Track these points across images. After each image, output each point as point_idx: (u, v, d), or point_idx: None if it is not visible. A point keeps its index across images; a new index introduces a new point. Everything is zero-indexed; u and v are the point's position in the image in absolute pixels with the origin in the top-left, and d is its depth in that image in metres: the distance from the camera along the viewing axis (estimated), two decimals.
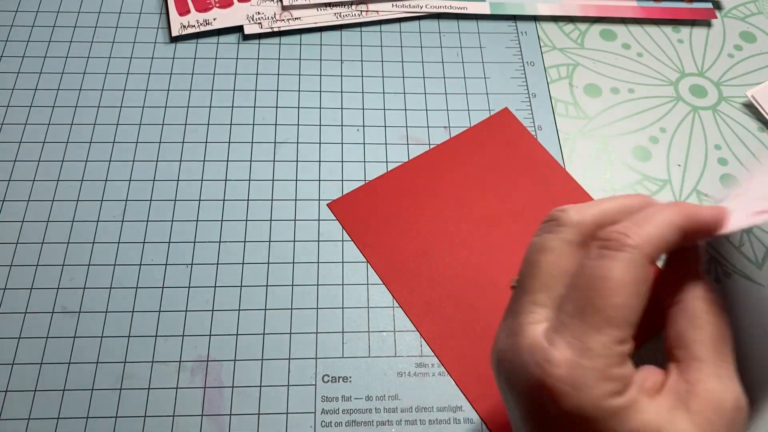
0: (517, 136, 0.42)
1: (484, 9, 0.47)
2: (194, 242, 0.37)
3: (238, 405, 0.33)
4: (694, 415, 0.19)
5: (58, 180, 0.39)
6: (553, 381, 0.20)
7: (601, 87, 0.45)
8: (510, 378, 0.21)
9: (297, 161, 0.41)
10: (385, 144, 0.42)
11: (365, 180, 0.40)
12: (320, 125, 0.42)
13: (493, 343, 0.23)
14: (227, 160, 0.40)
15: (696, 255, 0.23)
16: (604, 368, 0.19)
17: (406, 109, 0.43)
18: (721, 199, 0.24)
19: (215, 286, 0.36)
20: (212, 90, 0.43)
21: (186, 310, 0.35)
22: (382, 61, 0.45)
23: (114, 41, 0.45)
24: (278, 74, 0.44)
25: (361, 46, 0.46)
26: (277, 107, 0.43)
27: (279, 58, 0.45)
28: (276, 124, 0.42)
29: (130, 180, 0.39)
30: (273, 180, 0.40)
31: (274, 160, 0.41)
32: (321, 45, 0.46)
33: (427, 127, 0.42)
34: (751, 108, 0.44)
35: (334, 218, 0.39)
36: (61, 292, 0.36)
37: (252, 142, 0.41)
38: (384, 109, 0.43)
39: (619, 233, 0.21)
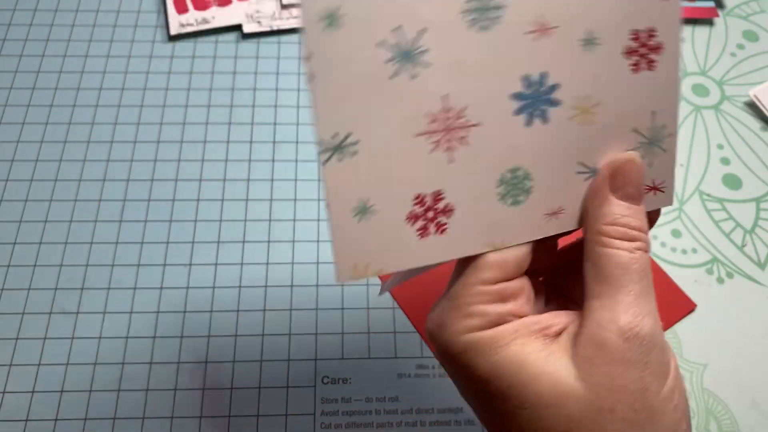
0: None
1: None
2: (192, 242, 0.37)
3: (237, 407, 0.33)
4: (576, 349, 0.19)
5: (55, 180, 0.39)
6: (428, 324, 0.21)
7: None
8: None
9: (296, 161, 0.40)
10: None
11: None
12: None
13: None
14: (226, 160, 0.40)
15: (602, 175, 0.21)
16: (464, 306, 0.20)
17: None
18: None
19: (214, 287, 0.36)
20: (211, 89, 0.43)
21: (184, 311, 0.35)
22: None
23: (112, 40, 0.45)
24: (277, 73, 0.44)
25: None
26: (276, 106, 0.43)
27: (278, 57, 0.45)
28: (275, 123, 0.42)
29: (128, 180, 0.39)
30: (272, 180, 0.40)
31: (273, 160, 0.40)
32: None
33: None
34: (753, 107, 0.44)
35: None
36: (59, 292, 0.35)
37: (251, 142, 0.41)
38: None
39: None
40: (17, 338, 0.34)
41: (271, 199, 0.39)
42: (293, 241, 0.38)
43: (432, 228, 0.21)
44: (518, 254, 0.20)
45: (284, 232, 0.38)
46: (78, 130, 0.41)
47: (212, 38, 0.45)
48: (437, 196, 0.20)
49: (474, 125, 0.20)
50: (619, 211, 0.20)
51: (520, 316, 0.20)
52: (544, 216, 0.21)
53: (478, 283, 0.20)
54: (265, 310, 0.35)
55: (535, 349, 0.19)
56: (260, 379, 0.34)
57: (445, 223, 0.21)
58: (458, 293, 0.20)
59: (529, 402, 0.19)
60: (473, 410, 0.22)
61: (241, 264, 0.37)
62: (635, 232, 0.20)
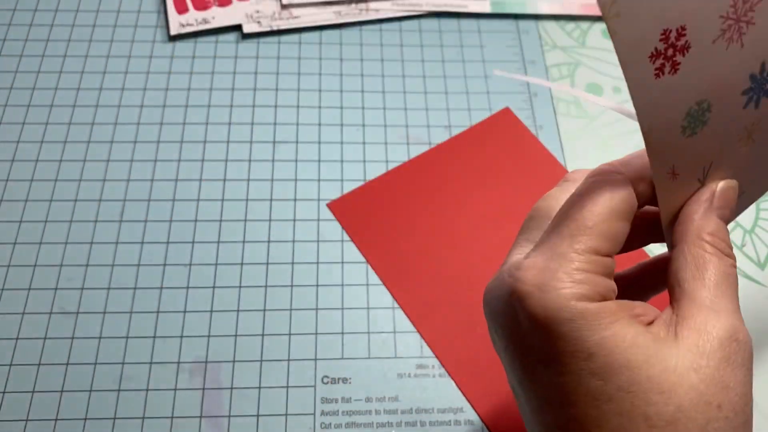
0: (518, 135, 0.42)
1: (484, 7, 0.47)
2: (193, 242, 0.37)
3: (237, 406, 0.33)
4: (680, 340, 0.18)
5: (56, 180, 0.39)
6: (520, 284, 0.19)
7: (603, 86, 0.45)
8: (489, 305, 0.21)
9: (296, 161, 0.40)
10: (385, 143, 0.41)
11: (365, 180, 0.40)
12: (320, 124, 0.42)
13: None
14: (226, 160, 0.40)
15: (702, 198, 0.22)
16: (574, 271, 0.19)
17: (406, 109, 0.43)
18: None
19: (214, 287, 0.36)
20: (211, 89, 0.43)
21: (185, 311, 0.35)
22: (382, 60, 0.45)
23: (112, 40, 0.45)
24: (277, 73, 0.44)
25: (361, 44, 0.46)
26: (276, 106, 0.43)
27: (278, 57, 0.45)
28: (275, 124, 0.42)
29: (128, 180, 0.39)
30: (272, 180, 0.40)
31: (273, 160, 0.40)
32: (320, 44, 0.46)
33: (428, 126, 0.42)
34: None
35: (334, 218, 0.39)
36: (59, 292, 0.35)
37: (251, 142, 0.41)
38: (384, 108, 0.43)
39: (605, 164, 0.21)
40: (17, 338, 0.34)
41: (271, 199, 0.39)
42: (293, 241, 0.38)
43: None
44: (625, 231, 0.20)
45: (284, 232, 0.38)
46: (78, 130, 0.41)
47: (212, 38, 0.45)
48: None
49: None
50: (721, 227, 0.21)
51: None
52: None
53: (590, 251, 0.19)
54: (265, 310, 0.35)
55: (639, 332, 0.19)
56: (260, 378, 0.34)
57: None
58: (569, 256, 0.19)
59: (639, 385, 0.18)
60: (533, 391, 0.20)
61: (241, 264, 0.37)
62: (731, 251, 0.21)
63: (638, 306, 0.20)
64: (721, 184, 0.21)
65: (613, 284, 0.20)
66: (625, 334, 0.18)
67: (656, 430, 0.18)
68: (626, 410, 0.18)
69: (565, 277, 0.19)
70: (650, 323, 0.20)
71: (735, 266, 0.21)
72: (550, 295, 0.19)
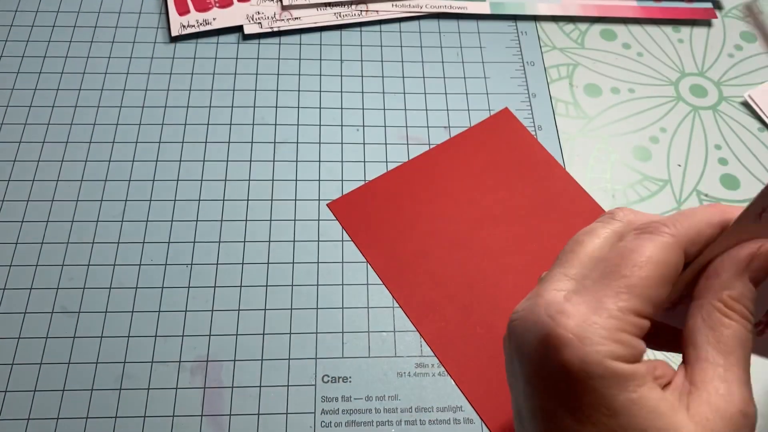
0: (517, 136, 0.42)
1: (484, 9, 0.47)
2: (194, 242, 0.37)
3: (238, 405, 0.33)
4: (692, 413, 0.19)
5: (57, 180, 0.39)
6: (561, 330, 0.20)
7: (602, 87, 0.45)
8: (520, 336, 0.21)
9: (297, 161, 0.41)
10: (385, 144, 0.42)
11: (365, 180, 0.40)
12: (320, 125, 0.42)
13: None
14: (227, 160, 0.40)
15: (740, 256, 0.21)
16: (615, 330, 0.19)
17: (406, 109, 0.43)
18: None
19: (215, 286, 0.36)
20: (212, 90, 0.43)
21: (186, 310, 0.35)
22: (382, 61, 0.45)
23: (114, 41, 0.45)
24: (278, 74, 0.44)
25: (361, 45, 0.46)
26: (276, 107, 0.43)
27: (279, 58, 0.45)
28: (276, 124, 0.42)
29: (129, 180, 0.39)
30: (273, 180, 0.40)
31: (273, 160, 0.41)
32: (321, 45, 0.46)
33: (427, 127, 0.42)
34: (751, 108, 0.44)
35: (334, 218, 0.39)
36: (61, 292, 0.36)
37: (252, 142, 0.41)
38: (384, 109, 0.43)
39: (657, 222, 0.21)
40: (19, 337, 0.34)
41: (271, 199, 0.39)
42: (294, 241, 0.38)
43: None
44: (667, 294, 0.20)
45: (285, 232, 0.38)
46: (79, 130, 0.41)
47: (213, 39, 0.45)
48: None
49: None
50: (747, 290, 0.20)
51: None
52: None
53: (633, 312, 0.20)
54: (265, 309, 0.36)
55: (660, 398, 0.19)
56: (261, 377, 0.34)
57: None
58: (613, 314, 0.19)
59: None
60: (540, 428, 0.21)
61: (242, 263, 0.37)
62: (751, 316, 0.20)
63: (660, 367, 0.20)
64: (757, 246, 0.21)
65: (644, 346, 0.20)
66: (648, 400, 0.19)
67: None
68: None
69: (606, 333, 0.19)
70: (667, 385, 0.20)
71: (751, 330, 0.20)
72: (588, 349, 0.19)
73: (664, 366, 0.21)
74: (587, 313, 0.20)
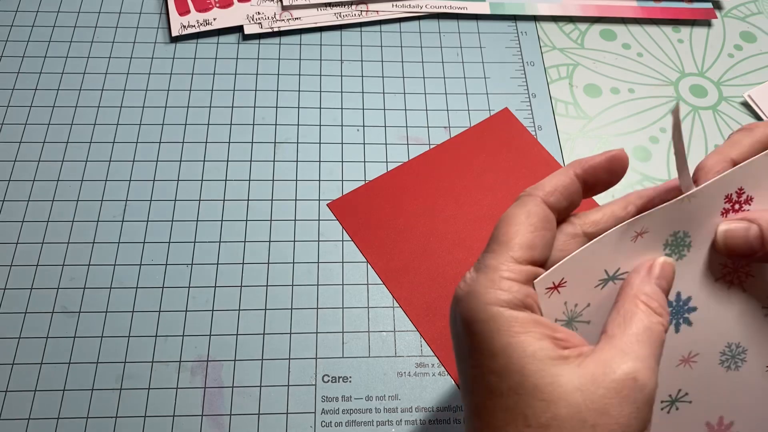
0: (517, 136, 0.42)
1: (484, 9, 0.47)
2: (194, 242, 0.37)
3: (238, 405, 0.33)
4: (581, 367, 0.21)
5: (58, 180, 0.39)
6: (458, 291, 0.23)
7: (601, 87, 0.45)
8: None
9: (297, 161, 0.41)
10: (385, 144, 0.42)
11: (365, 180, 0.40)
12: (320, 125, 0.42)
13: None
14: (227, 160, 0.40)
15: (645, 265, 0.24)
16: (497, 279, 0.22)
17: (406, 109, 0.43)
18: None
19: (215, 286, 0.36)
20: (212, 90, 0.43)
21: (186, 310, 0.35)
22: (382, 61, 0.45)
23: (114, 41, 0.45)
24: (278, 74, 0.44)
25: (361, 46, 0.46)
26: (277, 107, 0.43)
27: (279, 58, 0.45)
28: (276, 124, 0.42)
29: (130, 180, 0.39)
30: (273, 180, 0.40)
31: (274, 160, 0.41)
32: (321, 45, 0.46)
33: (427, 127, 0.42)
34: (750, 108, 0.44)
35: (334, 218, 0.39)
36: (61, 292, 0.36)
37: (252, 142, 0.41)
38: (384, 109, 0.43)
39: (528, 188, 0.25)
40: (20, 337, 0.34)
41: (272, 200, 0.39)
42: (294, 241, 0.38)
43: None
44: (546, 239, 0.24)
45: (285, 232, 0.38)
46: (80, 130, 0.41)
47: (213, 39, 0.45)
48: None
49: None
50: (657, 292, 0.23)
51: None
52: None
53: (511, 260, 0.22)
54: (265, 309, 0.36)
55: (546, 347, 0.21)
56: (261, 377, 0.34)
57: None
58: (491, 265, 0.23)
59: (525, 389, 0.21)
60: (460, 378, 0.24)
61: (243, 263, 0.37)
62: (663, 310, 0.23)
63: (562, 331, 0.22)
64: (660, 259, 0.24)
65: (532, 291, 0.23)
66: (527, 345, 0.21)
67: (530, 429, 0.20)
68: (510, 407, 0.21)
69: (489, 284, 0.22)
70: (567, 348, 0.22)
71: (663, 326, 0.22)
72: (473, 299, 0.22)
73: (570, 335, 0.22)
74: (475, 272, 0.23)
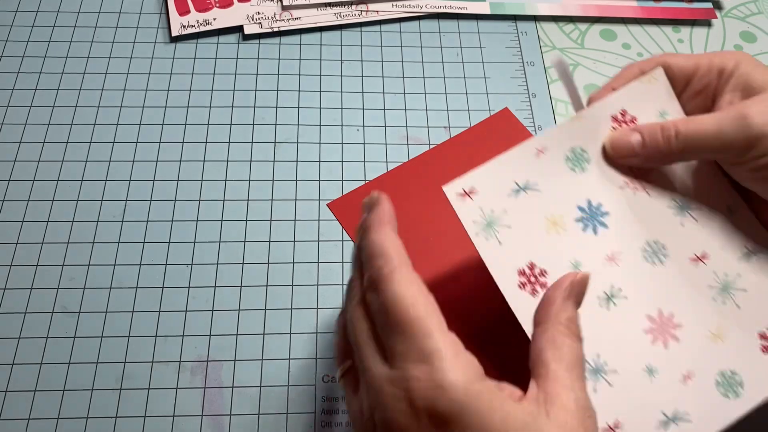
0: (517, 135, 0.42)
1: (484, 9, 0.47)
2: (194, 242, 0.37)
3: (238, 405, 0.33)
4: (552, 418, 0.23)
5: (57, 180, 0.39)
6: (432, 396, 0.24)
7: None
8: None
9: (297, 161, 0.41)
10: (385, 144, 0.42)
11: (365, 180, 0.40)
12: (320, 125, 0.42)
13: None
14: (227, 160, 0.40)
15: (563, 286, 0.26)
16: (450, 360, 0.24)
17: (406, 109, 0.43)
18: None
19: (215, 286, 0.36)
20: (212, 90, 0.43)
21: (186, 310, 0.35)
22: (382, 61, 0.45)
23: (114, 41, 0.45)
24: (278, 74, 0.44)
25: (361, 46, 0.46)
26: (277, 107, 0.43)
27: (279, 58, 0.45)
28: (276, 124, 0.42)
29: (129, 180, 0.39)
30: (273, 180, 0.40)
31: (274, 160, 0.41)
32: (321, 45, 0.46)
33: (427, 127, 0.42)
34: None
35: (334, 218, 0.39)
36: (61, 292, 0.36)
37: (252, 142, 0.41)
38: (384, 109, 0.43)
39: (375, 270, 0.27)
40: (19, 337, 0.34)
41: (272, 199, 0.39)
42: (294, 241, 0.38)
43: None
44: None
45: (285, 232, 0.38)
46: (80, 130, 0.41)
47: (213, 39, 0.45)
48: None
49: None
50: (575, 315, 0.25)
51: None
52: None
53: (443, 339, 0.25)
54: (265, 309, 0.36)
55: (517, 407, 0.23)
56: (261, 377, 0.34)
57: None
58: (434, 352, 0.24)
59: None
60: None
61: (243, 263, 0.37)
62: (580, 334, 0.25)
63: (507, 386, 0.23)
64: (580, 275, 0.26)
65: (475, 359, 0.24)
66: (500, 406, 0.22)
67: None
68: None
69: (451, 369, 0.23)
70: (520, 398, 0.23)
71: (582, 349, 0.25)
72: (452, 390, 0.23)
73: (508, 385, 0.24)
74: (423, 366, 0.24)
